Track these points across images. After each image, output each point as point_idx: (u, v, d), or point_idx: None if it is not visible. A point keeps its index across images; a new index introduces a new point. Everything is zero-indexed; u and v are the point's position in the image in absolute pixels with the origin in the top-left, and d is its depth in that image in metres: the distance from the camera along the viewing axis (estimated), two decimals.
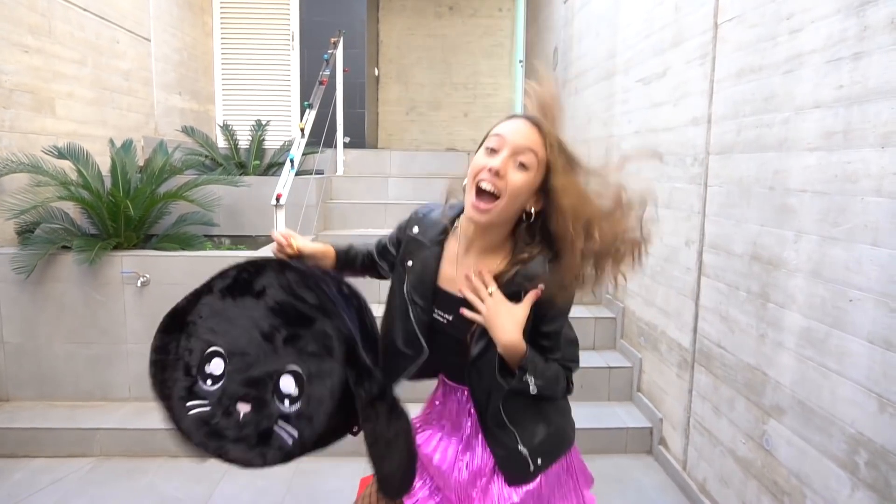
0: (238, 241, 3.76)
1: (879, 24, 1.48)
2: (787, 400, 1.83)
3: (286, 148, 4.65)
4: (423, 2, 7.30)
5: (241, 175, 4.09)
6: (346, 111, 4.94)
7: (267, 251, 3.21)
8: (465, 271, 1.19)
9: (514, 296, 1.15)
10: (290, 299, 1.11)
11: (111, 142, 3.73)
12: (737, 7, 2.14)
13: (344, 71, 4.76)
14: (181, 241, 3.25)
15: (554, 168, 1.14)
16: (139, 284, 2.94)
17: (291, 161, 3.25)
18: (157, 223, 3.40)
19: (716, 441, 2.26)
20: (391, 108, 7.42)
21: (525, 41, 6.92)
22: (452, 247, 1.27)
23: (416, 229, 1.30)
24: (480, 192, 1.13)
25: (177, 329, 1.13)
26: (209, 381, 1.09)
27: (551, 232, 1.15)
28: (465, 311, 1.16)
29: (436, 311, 1.26)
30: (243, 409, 1.08)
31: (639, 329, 3.09)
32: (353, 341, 1.09)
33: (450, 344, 1.24)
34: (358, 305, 1.22)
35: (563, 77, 4.86)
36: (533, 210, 1.17)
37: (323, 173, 4.46)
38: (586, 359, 3.22)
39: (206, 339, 1.11)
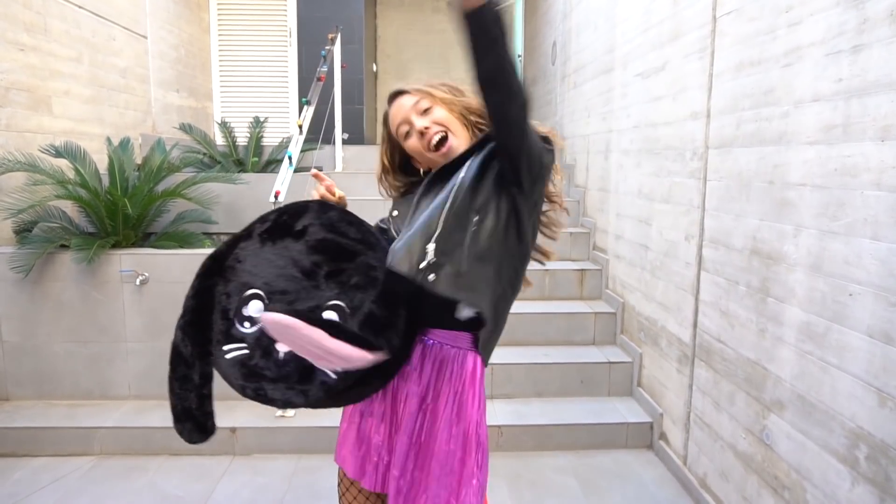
0: None
1: (879, 16, 1.47)
2: (787, 394, 1.83)
3: (284, 145, 4.63)
4: None
5: (239, 172, 4.08)
6: (344, 107, 4.91)
7: None
8: None
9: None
10: (332, 235, 1.14)
11: (108, 140, 3.71)
12: (735, 0, 2.12)
13: (342, 67, 4.73)
14: (180, 239, 3.25)
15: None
16: (138, 283, 2.93)
17: (290, 158, 3.23)
18: (155, 221, 3.40)
19: (716, 436, 2.26)
20: None
21: (524, 35, 6.89)
22: None
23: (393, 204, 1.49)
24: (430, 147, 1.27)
25: (216, 273, 1.14)
26: (247, 324, 1.10)
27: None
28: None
29: None
30: (283, 348, 1.08)
31: (638, 324, 3.09)
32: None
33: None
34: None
35: (561, 71, 4.84)
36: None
37: (322, 170, 4.43)
38: (586, 354, 3.23)
39: (245, 281, 1.12)
